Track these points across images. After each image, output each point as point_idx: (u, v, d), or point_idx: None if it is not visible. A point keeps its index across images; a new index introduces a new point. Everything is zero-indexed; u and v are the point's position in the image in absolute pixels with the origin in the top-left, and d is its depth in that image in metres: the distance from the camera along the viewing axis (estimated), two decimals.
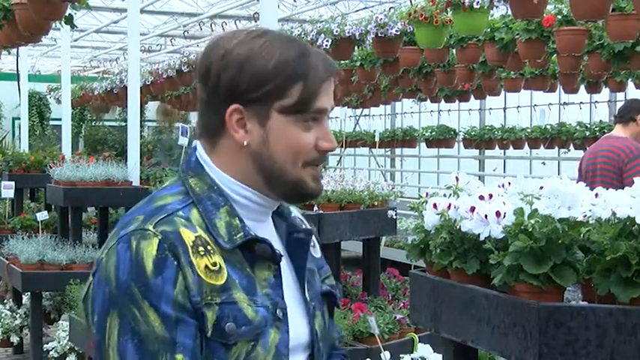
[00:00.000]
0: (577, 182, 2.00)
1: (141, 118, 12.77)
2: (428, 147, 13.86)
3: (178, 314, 1.33)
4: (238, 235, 1.41)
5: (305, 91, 1.41)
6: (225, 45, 1.43)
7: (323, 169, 1.45)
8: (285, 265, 1.49)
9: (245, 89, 1.40)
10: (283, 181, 1.44)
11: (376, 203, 4.79)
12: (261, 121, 1.42)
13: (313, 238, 1.62)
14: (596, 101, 11.71)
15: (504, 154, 13.26)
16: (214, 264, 1.37)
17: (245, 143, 1.42)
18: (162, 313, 1.32)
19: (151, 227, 1.36)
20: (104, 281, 1.36)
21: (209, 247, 1.38)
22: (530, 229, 1.87)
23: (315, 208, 4.53)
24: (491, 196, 2.05)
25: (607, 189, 2.01)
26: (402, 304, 4.82)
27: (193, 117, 18.71)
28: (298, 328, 1.47)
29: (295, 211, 1.63)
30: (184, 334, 1.33)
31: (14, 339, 6.90)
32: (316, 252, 1.63)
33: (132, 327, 1.32)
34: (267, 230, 1.49)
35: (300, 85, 1.41)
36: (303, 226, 1.57)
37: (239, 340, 1.36)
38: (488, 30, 6.61)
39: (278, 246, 1.49)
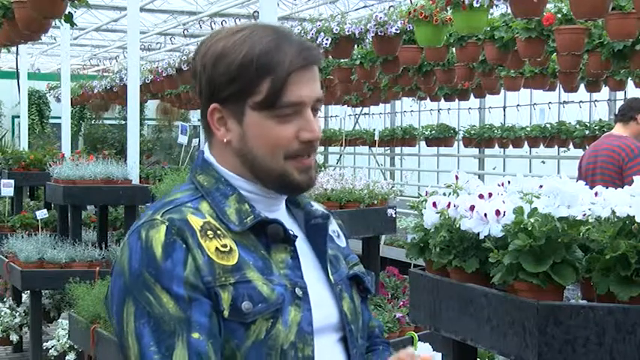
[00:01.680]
0: (577, 181, 2.00)
1: (140, 116, 12.79)
2: (427, 146, 13.86)
3: (191, 294, 1.35)
4: (249, 218, 1.44)
5: (272, 86, 1.42)
6: (206, 45, 1.47)
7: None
8: (306, 251, 1.52)
9: (218, 87, 1.44)
10: (268, 175, 1.47)
11: (376, 202, 4.79)
12: (238, 118, 1.45)
13: (338, 228, 1.65)
14: (595, 100, 11.71)
15: (504, 152, 13.26)
16: (224, 245, 1.40)
17: (225, 140, 1.46)
18: (175, 293, 1.34)
19: (158, 217, 1.40)
20: (119, 274, 1.39)
21: (218, 232, 1.41)
22: (529, 228, 1.88)
23: None
24: (490, 194, 2.05)
25: (607, 188, 2.01)
26: (401, 303, 4.82)
27: (193, 115, 18.72)
28: (325, 310, 1.48)
29: (317, 205, 1.64)
30: (199, 312, 1.35)
31: (14, 337, 6.89)
32: (341, 241, 1.64)
33: (147, 311, 1.34)
34: (280, 217, 1.51)
35: (269, 80, 1.41)
36: (320, 212, 1.59)
37: (257, 318, 1.38)
38: (488, 29, 6.61)
39: (294, 229, 1.51)
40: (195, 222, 1.40)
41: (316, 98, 1.46)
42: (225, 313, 1.37)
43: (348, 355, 1.51)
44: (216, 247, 1.39)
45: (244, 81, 1.42)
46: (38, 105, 18.51)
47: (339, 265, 1.57)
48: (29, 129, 14.43)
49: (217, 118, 1.46)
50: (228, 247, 1.40)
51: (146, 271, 1.36)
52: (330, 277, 1.53)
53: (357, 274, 1.60)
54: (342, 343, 1.51)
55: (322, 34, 7.03)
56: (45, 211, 7.40)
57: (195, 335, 1.33)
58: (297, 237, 1.48)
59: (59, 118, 10.95)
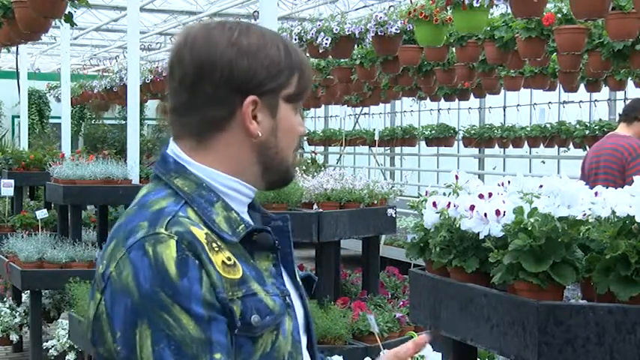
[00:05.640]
0: (580, 180, 2.00)
1: (140, 116, 12.78)
2: (427, 145, 13.87)
3: (210, 313, 1.29)
4: (240, 227, 1.39)
5: (303, 79, 1.44)
6: (224, 35, 1.40)
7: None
8: None
9: (261, 80, 1.39)
10: (280, 168, 1.45)
11: (376, 202, 4.79)
12: (272, 111, 1.41)
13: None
14: (595, 100, 11.71)
15: (504, 152, 13.27)
16: (229, 258, 1.34)
17: (260, 134, 1.41)
18: (195, 314, 1.28)
19: (162, 230, 1.31)
20: (122, 294, 1.30)
21: (219, 243, 1.35)
22: (529, 228, 1.88)
23: (315, 206, 4.53)
24: (490, 194, 2.05)
25: (608, 187, 2.01)
26: (401, 303, 4.82)
27: None
28: (299, 313, 1.48)
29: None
30: (218, 332, 1.30)
31: (14, 337, 6.89)
32: None
33: (166, 334, 1.27)
34: (249, 219, 1.48)
35: (298, 74, 1.43)
36: (276, 214, 1.57)
37: (264, 332, 1.35)
38: (488, 28, 6.62)
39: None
40: (199, 234, 1.33)
41: None
42: (236, 329, 1.32)
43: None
44: (222, 261, 1.33)
45: (288, 72, 1.41)
46: (38, 105, 18.51)
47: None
48: (29, 129, 14.43)
49: (251, 110, 1.39)
50: (232, 261, 1.35)
51: (161, 290, 1.27)
52: (298, 279, 1.52)
53: (310, 275, 1.60)
54: (308, 349, 1.51)
55: (322, 34, 7.03)
56: (45, 210, 7.40)
57: (217, 356, 1.28)
58: (280, 245, 1.45)
59: (59, 118, 10.95)
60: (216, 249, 1.33)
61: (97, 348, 1.35)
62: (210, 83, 1.38)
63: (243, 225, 1.40)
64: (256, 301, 1.35)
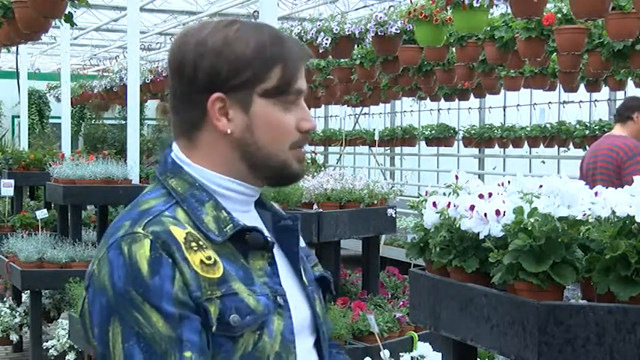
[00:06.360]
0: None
1: (140, 116, 12.79)
2: (427, 145, 13.87)
3: (181, 311, 1.31)
4: (228, 227, 1.40)
5: (285, 73, 1.42)
6: (196, 35, 1.42)
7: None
8: (277, 253, 1.49)
9: (225, 76, 1.39)
10: (268, 165, 1.44)
11: (376, 202, 4.79)
12: (244, 107, 1.41)
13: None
14: (595, 100, 11.72)
15: (504, 152, 13.27)
16: (209, 257, 1.35)
17: (229, 131, 1.41)
18: (165, 312, 1.30)
19: (140, 229, 1.34)
20: (100, 292, 1.33)
21: (200, 243, 1.36)
22: (529, 228, 1.88)
23: (315, 206, 4.53)
24: (490, 194, 2.05)
25: (607, 187, 2.01)
26: (401, 303, 4.82)
27: None
28: (301, 313, 1.47)
29: (276, 205, 1.63)
30: (189, 330, 1.31)
31: (14, 337, 6.89)
32: (302, 242, 1.62)
33: (136, 331, 1.30)
34: (253, 220, 1.48)
35: (280, 68, 1.41)
36: (287, 213, 1.57)
37: (245, 331, 1.35)
38: (488, 28, 6.62)
39: (267, 234, 1.48)
40: (179, 234, 1.34)
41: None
42: (214, 328, 1.33)
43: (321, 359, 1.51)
44: (201, 260, 1.34)
45: (258, 67, 1.40)
46: (38, 105, 18.53)
47: (306, 266, 1.56)
48: (29, 129, 14.44)
49: (219, 107, 1.40)
50: (212, 260, 1.35)
51: (132, 289, 1.30)
52: (304, 279, 1.51)
53: (324, 275, 1.60)
54: (316, 349, 1.50)
55: (322, 34, 7.03)
56: (45, 210, 7.40)
57: (187, 354, 1.30)
58: (274, 243, 1.45)
59: (59, 118, 10.96)
60: (195, 248, 1.35)
61: (89, 340, 1.38)
62: (181, 85, 1.42)
63: (231, 224, 1.40)
64: (236, 301, 1.35)
